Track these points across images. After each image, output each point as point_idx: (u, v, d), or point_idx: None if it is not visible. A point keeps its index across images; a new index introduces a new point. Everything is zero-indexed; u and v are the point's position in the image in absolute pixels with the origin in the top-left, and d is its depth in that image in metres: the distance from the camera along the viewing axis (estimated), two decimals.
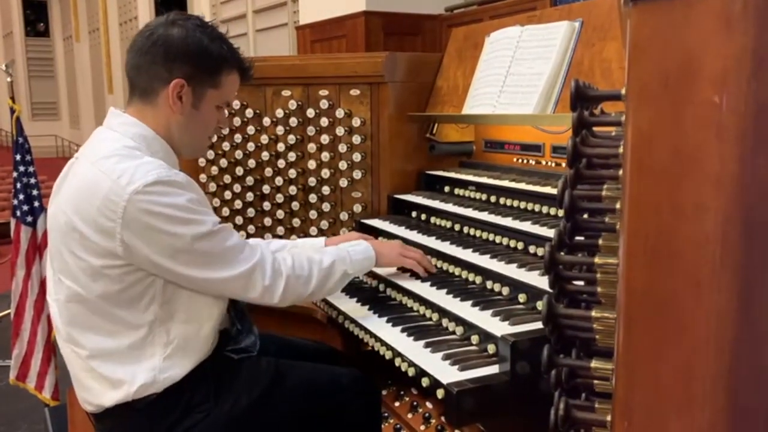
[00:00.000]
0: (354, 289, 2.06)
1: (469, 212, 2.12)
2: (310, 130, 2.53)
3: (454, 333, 1.68)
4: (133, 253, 1.44)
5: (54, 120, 22.38)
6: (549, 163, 2.19)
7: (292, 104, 2.54)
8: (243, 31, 8.88)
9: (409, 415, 2.04)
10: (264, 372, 1.68)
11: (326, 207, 2.54)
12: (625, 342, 0.66)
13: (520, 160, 2.31)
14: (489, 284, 1.79)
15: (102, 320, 1.50)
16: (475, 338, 1.60)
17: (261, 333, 1.78)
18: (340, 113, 2.46)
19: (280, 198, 2.62)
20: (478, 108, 2.22)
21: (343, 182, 2.50)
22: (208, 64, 1.58)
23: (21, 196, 3.35)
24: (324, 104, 2.50)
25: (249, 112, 2.64)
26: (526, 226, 1.88)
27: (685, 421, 0.60)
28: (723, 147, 0.55)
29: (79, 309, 1.51)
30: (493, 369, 1.48)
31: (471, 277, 1.86)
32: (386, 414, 2.08)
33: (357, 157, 2.46)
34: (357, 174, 2.47)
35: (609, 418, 0.81)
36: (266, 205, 2.66)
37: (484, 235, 2.04)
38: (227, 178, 2.72)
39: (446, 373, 1.48)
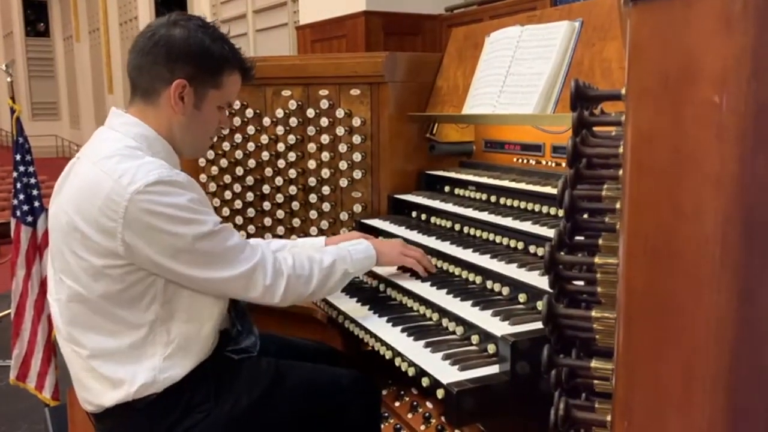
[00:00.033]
0: (354, 289, 2.06)
1: (470, 212, 2.12)
2: (310, 130, 2.53)
3: (454, 333, 1.68)
4: (134, 252, 1.44)
5: (54, 120, 22.38)
6: (549, 163, 2.19)
7: (292, 104, 2.54)
8: (243, 31, 8.87)
9: (409, 415, 2.04)
10: (264, 372, 1.68)
11: (326, 207, 2.54)
12: (625, 342, 0.66)
13: (520, 160, 2.31)
14: (489, 284, 1.79)
15: (103, 320, 1.50)
16: (475, 338, 1.60)
17: (261, 333, 1.78)
18: (340, 113, 2.46)
19: (280, 198, 2.63)
20: (478, 108, 2.22)
21: (343, 182, 2.50)
22: (209, 65, 1.58)
23: (21, 196, 3.35)
24: (324, 104, 2.50)
25: (249, 112, 2.64)
26: (527, 226, 1.88)
27: (685, 420, 0.60)
28: (723, 147, 0.55)
29: (80, 309, 1.51)
30: (493, 369, 1.48)
31: (471, 277, 1.86)
32: (386, 414, 2.08)
33: (357, 157, 2.46)
34: (357, 174, 2.47)
35: (609, 418, 0.81)
36: (266, 205, 2.66)
37: (485, 235, 2.04)
38: (227, 178, 2.72)
39: (446, 373, 1.48)
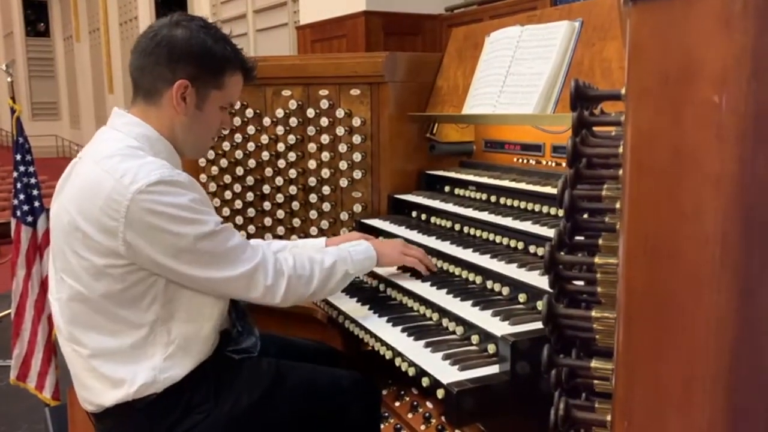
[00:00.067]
0: (354, 288, 2.06)
1: (470, 212, 2.12)
2: (311, 130, 2.53)
3: (454, 333, 1.68)
4: (135, 252, 1.44)
5: (54, 120, 22.38)
6: (549, 163, 2.19)
7: (293, 104, 2.54)
8: (243, 31, 8.88)
9: (410, 415, 2.04)
10: (265, 373, 1.68)
11: (326, 207, 2.54)
12: (625, 342, 0.66)
13: (520, 160, 2.31)
14: (489, 284, 1.79)
15: (104, 319, 1.50)
16: (475, 338, 1.60)
17: (262, 333, 1.78)
18: (340, 113, 2.46)
19: (280, 198, 2.63)
20: (478, 108, 2.22)
21: (344, 182, 2.50)
22: (211, 65, 1.58)
23: (21, 196, 3.35)
24: (324, 104, 2.50)
25: (249, 112, 2.64)
26: (527, 226, 1.88)
27: (685, 420, 0.60)
28: (723, 147, 0.55)
29: (81, 308, 1.51)
30: (493, 369, 1.48)
31: (471, 276, 1.86)
32: (386, 414, 2.08)
33: (357, 156, 2.46)
34: (357, 174, 2.47)
35: (609, 418, 0.81)
36: (266, 205, 2.66)
37: (485, 234, 2.04)
38: (227, 178, 2.72)
39: (446, 372, 1.48)
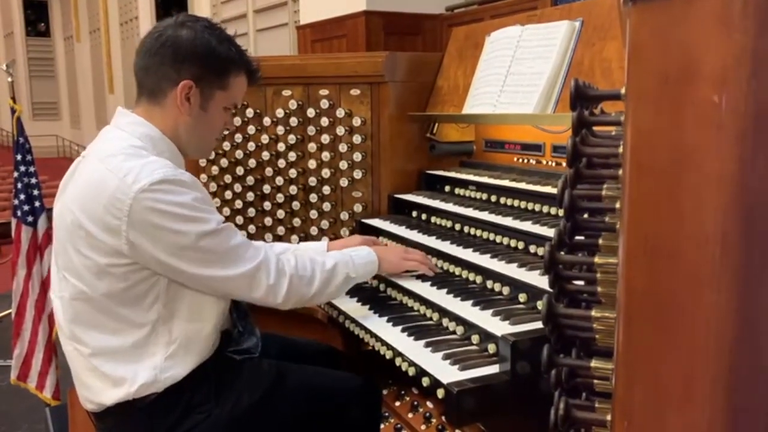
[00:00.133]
0: (355, 288, 2.05)
1: (470, 212, 2.12)
2: (311, 130, 2.53)
3: (454, 333, 1.68)
4: (138, 251, 1.45)
5: (55, 120, 22.38)
6: (549, 163, 2.19)
7: (293, 104, 2.54)
8: (243, 31, 8.87)
9: (410, 415, 2.04)
10: (265, 374, 1.68)
11: (327, 207, 2.54)
12: (625, 342, 0.66)
13: (520, 160, 2.31)
14: (489, 284, 1.79)
15: (106, 318, 1.51)
16: (475, 338, 1.60)
17: (262, 333, 1.78)
18: (340, 113, 2.46)
19: (280, 198, 2.63)
20: (479, 107, 2.22)
21: (344, 182, 2.50)
22: (216, 66, 1.59)
23: (22, 196, 3.35)
24: (324, 104, 2.50)
25: (249, 112, 2.64)
26: (527, 226, 1.88)
27: (685, 420, 0.60)
28: (723, 147, 0.55)
29: (83, 307, 1.52)
30: (494, 369, 1.48)
31: (471, 276, 1.86)
32: (387, 414, 2.08)
33: (357, 156, 2.46)
34: (357, 174, 2.47)
35: (609, 417, 0.81)
36: (267, 205, 2.66)
37: (485, 234, 2.04)
38: (228, 178, 2.72)
39: (446, 372, 1.48)
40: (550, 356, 0.93)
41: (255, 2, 8.81)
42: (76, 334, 1.54)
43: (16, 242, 3.36)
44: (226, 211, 2.73)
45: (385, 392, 2.12)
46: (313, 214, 2.57)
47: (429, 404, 2.03)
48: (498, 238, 1.97)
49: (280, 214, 2.62)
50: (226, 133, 2.64)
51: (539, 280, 1.65)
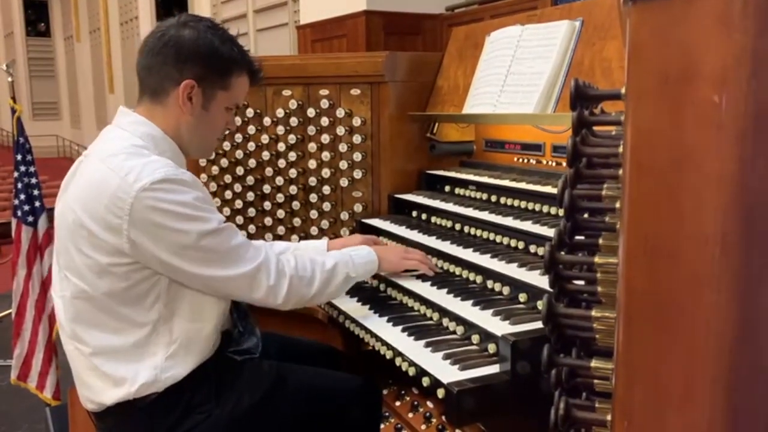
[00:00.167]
0: (355, 288, 2.05)
1: (470, 212, 2.12)
2: (311, 130, 2.53)
3: (454, 332, 1.68)
4: (139, 250, 1.45)
5: (55, 120, 22.38)
6: (549, 163, 2.19)
7: (293, 104, 2.54)
8: (243, 31, 8.87)
9: (410, 415, 2.04)
10: (266, 375, 1.68)
11: (327, 206, 2.54)
12: (625, 342, 0.66)
13: (520, 160, 2.31)
14: (489, 284, 1.79)
15: (107, 317, 1.51)
16: (475, 338, 1.60)
17: (263, 332, 1.78)
18: (340, 113, 2.46)
19: (280, 197, 2.63)
20: (479, 107, 2.22)
21: (344, 182, 2.50)
22: (218, 66, 1.59)
23: (22, 196, 3.35)
24: (324, 104, 2.50)
25: (249, 112, 2.64)
26: (527, 226, 1.88)
27: (685, 420, 0.60)
28: (723, 147, 0.55)
29: (84, 306, 1.52)
30: (494, 368, 1.48)
31: (471, 276, 1.86)
32: (387, 413, 2.08)
33: (357, 156, 2.46)
34: (357, 173, 2.47)
35: (609, 417, 0.81)
36: (267, 205, 2.66)
37: (485, 234, 2.04)
38: (228, 178, 2.72)
39: (447, 372, 1.48)
40: (550, 356, 0.93)
41: (255, 2, 8.82)
42: (78, 333, 1.54)
43: (17, 242, 3.36)
44: (227, 211, 2.73)
45: (385, 392, 2.12)
46: (313, 214, 2.57)
47: (429, 404, 2.03)
48: (498, 238, 1.97)
49: (280, 214, 2.62)
50: (226, 132, 2.65)
51: (539, 279, 1.65)
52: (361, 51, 4.06)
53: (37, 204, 3.38)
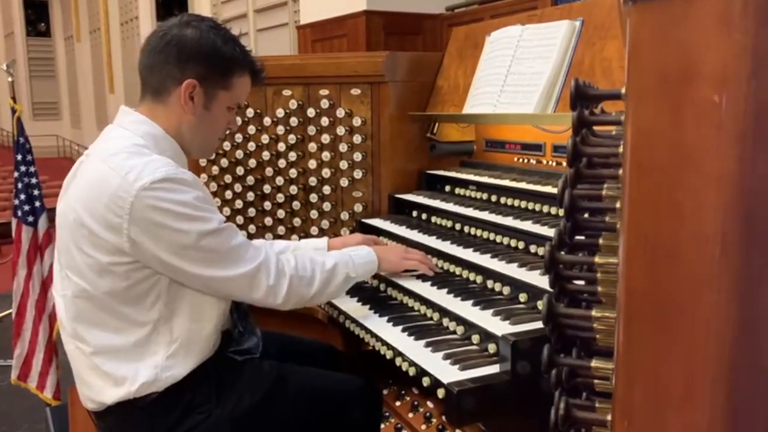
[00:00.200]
0: (355, 288, 2.05)
1: (470, 212, 2.12)
2: (311, 130, 2.53)
3: (454, 332, 1.68)
4: (140, 249, 1.45)
5: (55, 120, 22.38)
6: (550, 163, 2.19)
7: (293, 104, 2.54)
8: (244, 31, 8.86)
9: (410, 415, 2.04)
10: (266, 375, 1.68)
11: (327, 206, 2.54)
12: (625, 341, 0.66)
13: (520, 160, 2.31)
14: (490, 284, 1.79)
15: (108, 316, 1.51)
16: (475, 338, 1.60)
17: (263, 331, 1.78)
18: (340, 113, 2.46)
19: (280, 197, 2.63)
20: (479, 107, 2.22)
21: (344, 182, 2.50)
22: (220, 66, 1.59)
23: (22, 196, 3.35)
24: (324, 104, 2.50)
25: (249, 112, 2.64)
26: (527, 226, 1.88)
27: (685, 420, 0.60)
28: (723, 146, 0.55)
29: (85, 305, 1.52)
30: (494, 368, 1.48)
31: (472, 276, 1.86)
32: (387, 413, 2.08)
33: (358, 156, 2.46)
34: (358, 173, 2.47)
35: (609, 417, 0.81)
36: (267, 205, 2.67)
37: (485, 234, 2.04)
38: (228, 178, 2.72)
39: (447, 372, 1.48)
40: (550, 356, 0.93)
41: (255, 2, 8.82)
42: (78, 332, 1.54)
43: (17, 242, 3.36)
44: (227, 210, 2.73)
45: (385, 392, 2.12)
46: (314, 213, 2.57)
47: (429, 404, 2.03)
48: (498, 238, 1.97)
49: (281, 213, 2.62)
50: (227, 132, 2.65)
51: (539, 279, 1.65)
52: (361, 51, 4.06)
53: (38, 204, 3.38)
